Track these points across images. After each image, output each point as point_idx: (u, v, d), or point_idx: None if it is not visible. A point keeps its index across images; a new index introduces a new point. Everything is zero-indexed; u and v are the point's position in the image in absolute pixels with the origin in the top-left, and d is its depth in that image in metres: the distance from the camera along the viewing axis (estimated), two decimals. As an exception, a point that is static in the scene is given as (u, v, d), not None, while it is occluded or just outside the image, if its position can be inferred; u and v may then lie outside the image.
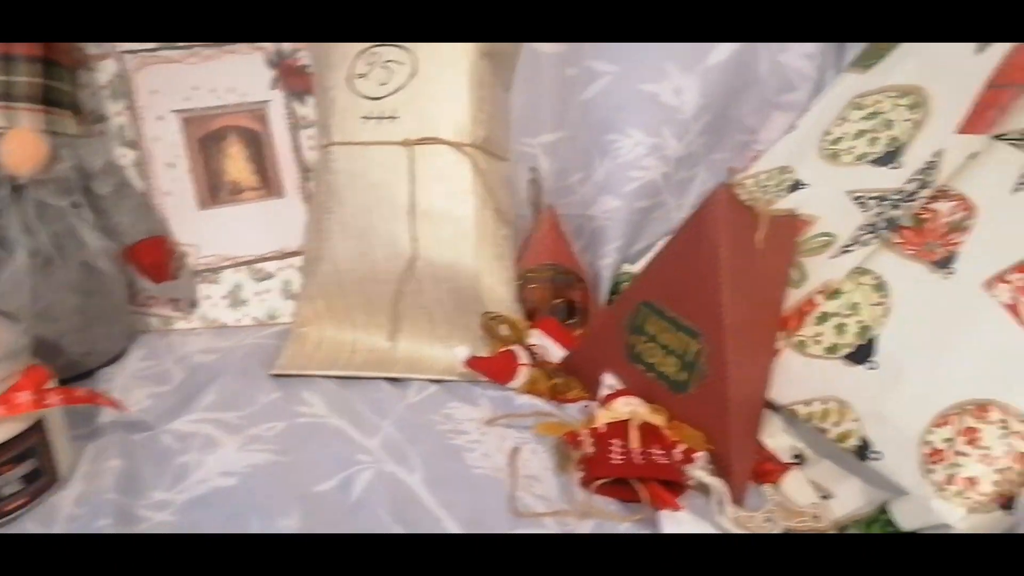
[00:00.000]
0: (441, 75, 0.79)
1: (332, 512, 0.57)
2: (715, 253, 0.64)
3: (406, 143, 0.78)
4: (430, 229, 0.77)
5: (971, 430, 0.55)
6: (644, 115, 0.87)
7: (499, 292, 0.79)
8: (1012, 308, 0.57)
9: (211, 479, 0.60)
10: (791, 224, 0.71)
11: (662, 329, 0.68)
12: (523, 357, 0.75)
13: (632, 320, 0.70)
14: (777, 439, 0.67)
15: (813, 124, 0.81)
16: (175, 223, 0.87)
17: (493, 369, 0.75)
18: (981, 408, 0.55)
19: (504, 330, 0.77)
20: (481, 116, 0.79)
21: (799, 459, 0.65)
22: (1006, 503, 0.53)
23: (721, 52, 0.86)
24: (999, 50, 0.69)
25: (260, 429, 0.66)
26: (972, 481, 0.54)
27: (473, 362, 0.74)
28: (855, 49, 0.85)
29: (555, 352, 0.79)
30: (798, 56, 0.88)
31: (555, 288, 0.85)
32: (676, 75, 0.86)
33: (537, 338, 0.79)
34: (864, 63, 0.81)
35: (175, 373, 0.77)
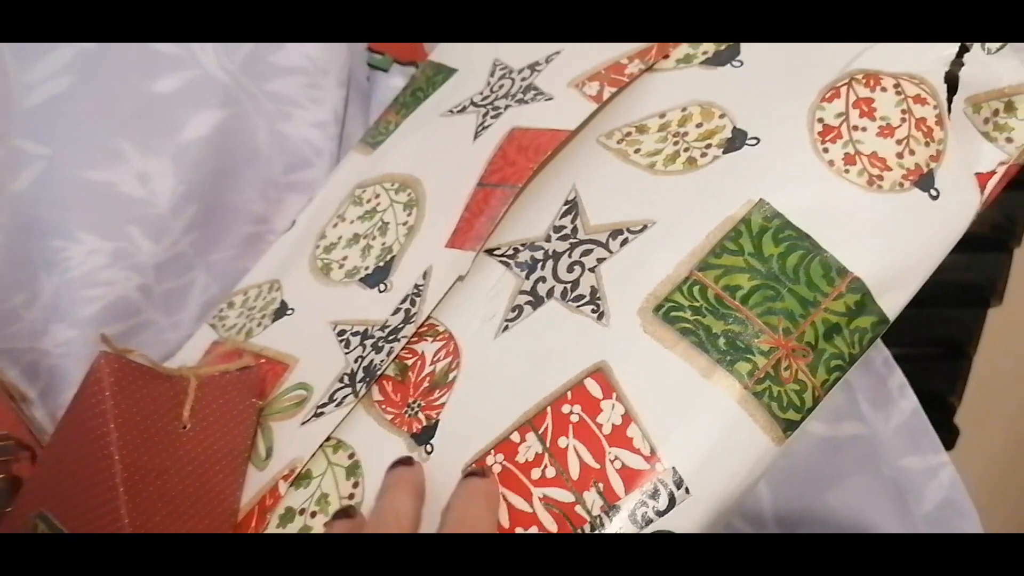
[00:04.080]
0: None
1: None
2: (106, 452, 0.44)
3: None
4: None
5: None
6: (96, 212, 0.64)
7: None
8: (490, 506, 0.42)
9: None
10: (249, 379, 0.52)
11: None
12: None
13: (21, 550, 0.47)
14: None
15: (310, 221, 0.63)
16: None
17: None
18: None
19: None
20: None
21: None
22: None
23: (200, 125, 0.66)
24: (492, 138, 0.55)
25: None
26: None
27: None
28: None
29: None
30: (305, 125, 0.70)
31: (-23, 469, 0.60)
32: (136, 157, 0.64)
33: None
34: (371, 139, 0.65)
35: None
